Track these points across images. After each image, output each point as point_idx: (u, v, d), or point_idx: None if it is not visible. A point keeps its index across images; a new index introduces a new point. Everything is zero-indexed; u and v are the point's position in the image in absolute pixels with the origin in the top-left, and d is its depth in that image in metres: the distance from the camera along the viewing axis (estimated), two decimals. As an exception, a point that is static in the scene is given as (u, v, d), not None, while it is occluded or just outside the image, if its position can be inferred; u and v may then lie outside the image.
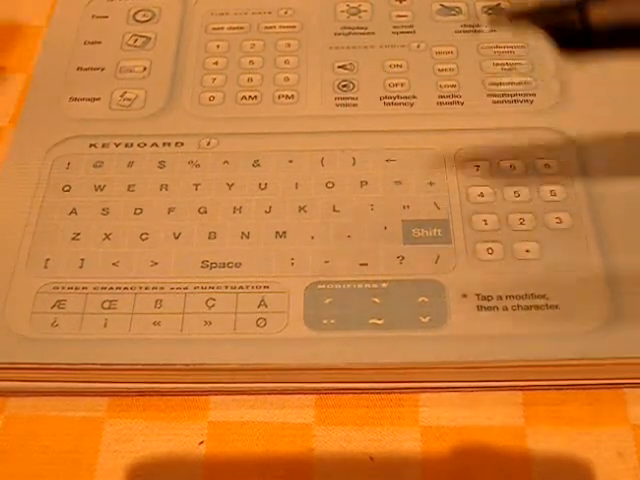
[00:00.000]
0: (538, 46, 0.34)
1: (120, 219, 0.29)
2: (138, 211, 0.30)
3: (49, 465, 0.26)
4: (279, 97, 0.33)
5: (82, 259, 0.28)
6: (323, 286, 0.27)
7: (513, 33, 0.25)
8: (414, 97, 0.33)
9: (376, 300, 0.27)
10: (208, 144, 0.32)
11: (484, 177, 0.30)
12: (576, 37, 0.23)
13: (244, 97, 0.33)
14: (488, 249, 0.28)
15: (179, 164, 0.31)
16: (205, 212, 0.30)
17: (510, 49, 0.34)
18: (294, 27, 0.36)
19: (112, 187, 0.30)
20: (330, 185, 0.30)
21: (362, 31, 0.35)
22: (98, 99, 0.34)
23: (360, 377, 0.26)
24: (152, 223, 0.29)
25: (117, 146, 0.32)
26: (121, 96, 0.34)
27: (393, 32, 0.35)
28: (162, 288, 0.28)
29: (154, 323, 0.27)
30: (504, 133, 0.31)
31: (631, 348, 0.26)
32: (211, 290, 0.27)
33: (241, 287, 0.28)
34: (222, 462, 0.26)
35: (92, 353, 0.26)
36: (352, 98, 0.33)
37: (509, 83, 0.33)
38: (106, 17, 0.37)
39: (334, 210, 0.29)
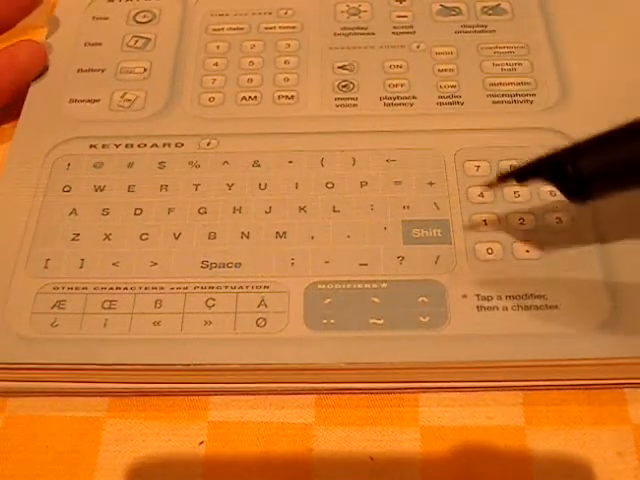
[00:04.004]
0: (538, 46, 0.34)
1: (120, 219, 0.29)
2: (138, 211, 0.30)
3: (49, 465, 0.26)
4: (279, 97, 0.33)
5: (82, 259, 0.28)
6: (323, 286, 0.27)
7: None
8: (414, 97, 0.33)
9: (376, 300, 0.27)
10: (208, 144, 0.32)
11: (484, 177, 0.30)
12: (575, 188, 0.24)
13: (244, 98, 0.33)
14: (488, 249, 0.28)
15: (179, 165, 0.31)
16: (205, 212, 0.30)
17: (510, 49, 0.34)
18: (294, 27, 0.36)
19: (112, 188, 0.30)
20: (330, 185, 0.30)
21: (362, 31, 0.35)
22: (98, 100, 0.34)
23: (360, 377, 0.26)
24: (152, 223, 0.29)
25: (117, 147, 0.32)
26: (121, 97, 0.34)
27: (393, 32, 0.35)
28: (162, 288, 0.28)
29: (154, 323, 0.27)
30: (504, 133, 0.31)
31: (631, 348, 0.26)
32: (211, 290, 0.28)
33: (241, 287, 0.28)
34: (222, 462, 0.26)
35: (92, 353, 0.26)
36: (352, 98, 0.33)
37: (509, 83, 0.33)
38: (106, 18, 0.37)
39: (334, 210, 0.29)
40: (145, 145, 0.32)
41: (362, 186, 0.30)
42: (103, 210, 0.30)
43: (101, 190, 0.30)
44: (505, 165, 0.30)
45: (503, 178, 0.26)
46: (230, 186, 0.30)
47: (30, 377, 0.27)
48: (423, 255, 0.28)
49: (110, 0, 0.38)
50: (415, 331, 0.26)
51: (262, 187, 0.30)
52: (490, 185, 0.27)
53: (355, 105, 0.33)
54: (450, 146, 0.31)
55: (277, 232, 0.29)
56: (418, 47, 0.35)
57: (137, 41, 0.36)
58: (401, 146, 0.31)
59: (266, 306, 0.27)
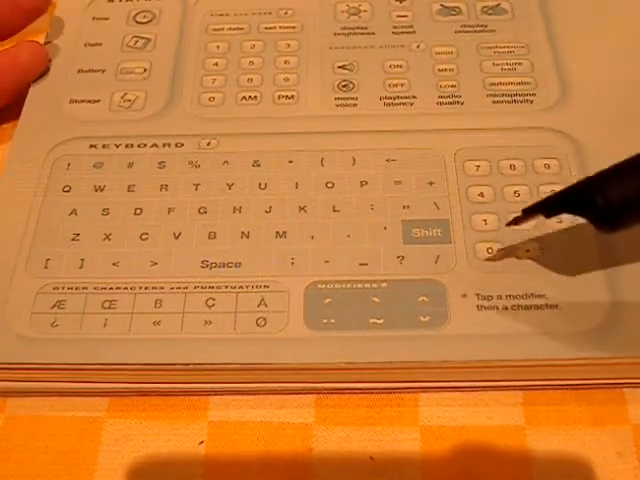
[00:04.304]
0: (538, 46, 0.34)
1: (120, 219, 0.29)
2: (138, 211, 0.30)
3: (49, 465, 0.26)
4: (279, 97, 0.33)
5: (82, 259, 0.28)
6: (323, 286, 0.27)
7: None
8: (414, 97, 0.33)
9: (376, 300, 0.27)
10: (208, 144, 0.32)
11: (484, 177, 0.30)
12: (605, 218, 0.24)
13: (244, 97, 0.33)
14: (488, 249, 0.28)
15: (179, 164, 0.31)
16: (205, 212, 0.30)
17: (510, 49, 0.34)
18: (294, 27, 0.36)
19: (112, 188, 0.30)
20: (330, 185, 0.30)
21: (362, 31, 0.35)
22: (98, 101, 0.34)
23: (360, 377, 0.26)
24: (152, 223, 0.29)
25: (117, 147, 0.32)
26: (121, 97, 0.34)
27: (393, 32, 0.35)
28: (162, 288, 0.28)
29: (154, 323, 0.27)
30: (504, 133, 0.31)
31: (631, 348, 0.26)
32: (211, 290, 0.28)
33: (241, 287, 0.28)
34: (222, 462, 0.26)
35: (92, 353, 0.26)
36: (352, 98, 0.33)
37: (509, 83, 0.33)
38: (106, 19, 0.37)
39: (334, 210, 0.29)
40: (145, 145, 0.32)
41: (362, 186, 0.30)
42: (103, 210, 0.30)
43: (101, 190, 0.30)
44: (505, 165, 0.30)
45: (528, 212, 0.26)
46: (230, 186, 0.30)
47: (30, 377, 0.27)
48: (423, 255, 0.28)
49: (110, 0, 0.38)
50: (415, 331, 0.26)
51: (262, 187, 0.30)
52: (516, 221, 0.27)
53: (355, 105, 0.33)
54: (450, 146, 0.31)
55: (277, 232, 0.29)
56: (418, 47, 0.35)
57: (137, 41, 0.36)
58: (401, 146, 0.31)
59: (266, 306, 0.27)
